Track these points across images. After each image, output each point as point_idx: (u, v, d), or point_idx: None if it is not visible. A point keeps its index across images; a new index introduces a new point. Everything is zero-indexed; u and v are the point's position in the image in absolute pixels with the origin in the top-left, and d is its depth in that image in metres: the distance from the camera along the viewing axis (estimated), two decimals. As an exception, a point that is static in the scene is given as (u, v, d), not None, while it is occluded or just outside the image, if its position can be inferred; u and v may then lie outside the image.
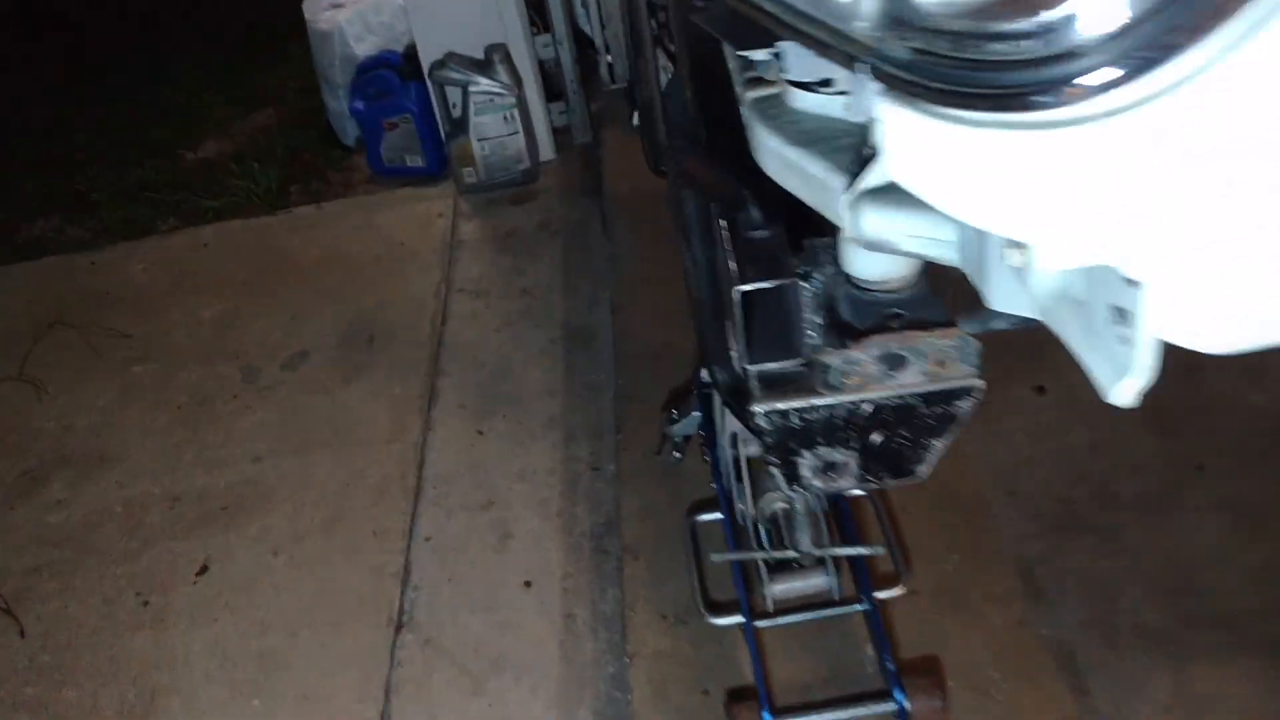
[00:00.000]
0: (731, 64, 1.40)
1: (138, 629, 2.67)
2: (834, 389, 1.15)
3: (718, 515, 2.52)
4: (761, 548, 2.37)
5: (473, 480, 2.91)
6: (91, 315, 3.84)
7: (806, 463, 1.32)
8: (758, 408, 1.28)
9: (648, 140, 2.19)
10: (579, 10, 4.25)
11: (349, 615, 2.60)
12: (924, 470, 1.35)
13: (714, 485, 2.56)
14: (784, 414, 1.28)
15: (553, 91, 4.24)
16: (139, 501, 3.03)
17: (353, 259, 3.91)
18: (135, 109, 5.34)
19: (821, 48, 0.85)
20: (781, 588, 2.31)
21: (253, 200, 4.40)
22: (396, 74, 4.12)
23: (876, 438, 1.31)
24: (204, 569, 2.78)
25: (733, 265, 1.30)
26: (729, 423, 2.34)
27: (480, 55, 3.92)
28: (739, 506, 2.44)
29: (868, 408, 1.28)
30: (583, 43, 4.29)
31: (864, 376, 1.14)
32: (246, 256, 4.05)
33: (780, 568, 2.34)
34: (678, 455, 2.76)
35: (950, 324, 1.14)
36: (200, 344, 3.61)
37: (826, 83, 1.21)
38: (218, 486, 3.02)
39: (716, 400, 2.38)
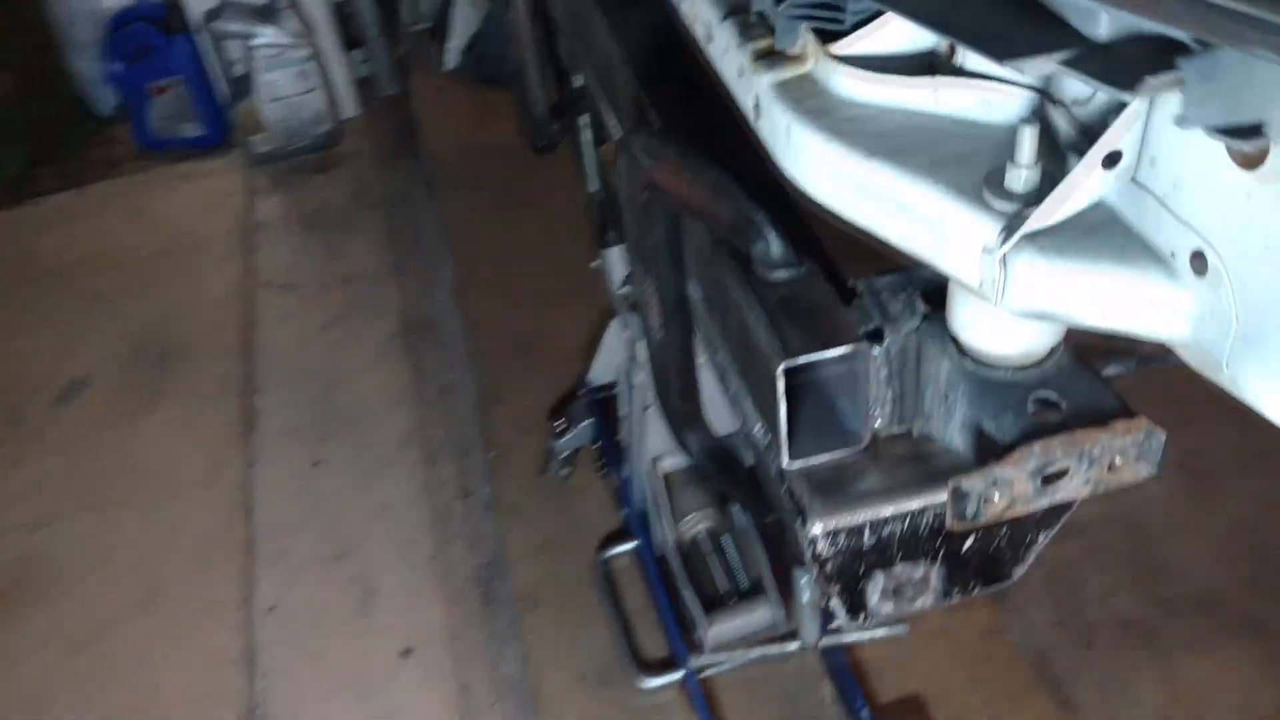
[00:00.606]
0: (709, 21, 0.97)
1: (-101, 778, 2.07)
2: (971, 520, 0.77)
3: (630, 546, 2.14)
4: (691, 582, 2.01)
5: (317, 525, 2.41)
6: None
7: (876, 586, 0.94)
8: (816, 527, 0.88)
9: (523, 113, 1.72)
10: (372, -59, 3.65)
11: (185, 722, 2.08)
12: (1021, 571, 0.99)
13: (623, 512, 2.16)
14: (855, 532, 0.89)
15: (351, 38, 3.66)
16: (-118, 599, 2.37)
17: (128, 255, 3.25)
18: None
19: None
20: (721, 628, 1.96)
21: (-9, 189, 3.63)
22: (159, 28, 3.45)
23: (970, 542, 0.94)
24: (-18, 683, 2.19)
25: (755, 319, 0.89)
26: (650, 439, 1.94)
27: (262, 1, 3.29)
28: (658, 535, 2.06)
29: (964, 508, 0.91)
30: (380, -21, 3.71)
31: (1013, 500, 0.76)
32: (-9, 262, 3.32)
33: (716, 604, 1.99)
34: (567, 472, 2.34)
35: (1128, 411, 0.77)
36: (-57, 380, 2.91)
37: (905, 61, 0.80)
38: (-12, 568, 2.40)
39: (630, 409, 1.98)
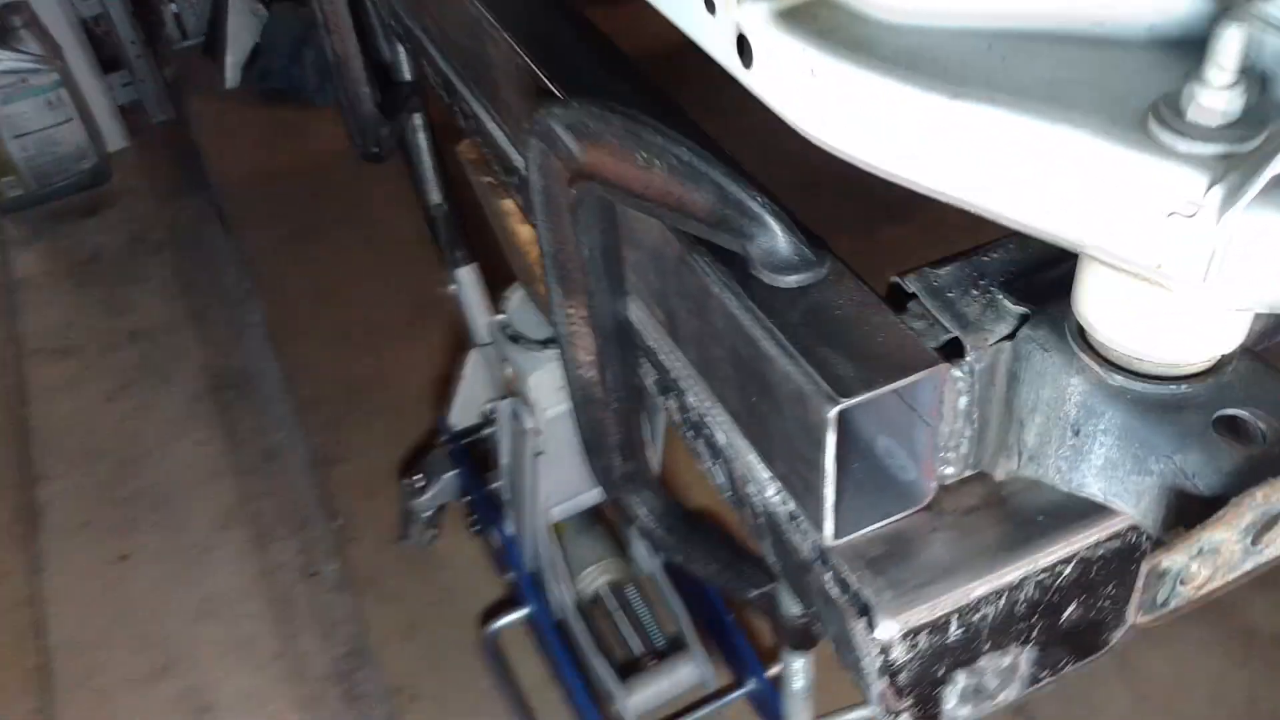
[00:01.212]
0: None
1: None
2: (1164, 609, 0.52)
3: (521, 613, 1.83)
4: (599, 647, 1.73)
5: (130, 635, 2.03)
6: None
7: (955, 689, 0.70)
8: (891, 628, 0.63)
9: (348, 118, 1.40)
10: (123, -53, 3.20)
11: None
12: (1118, 636, 0.77)
13: (507, 576, 1.86)
14: (939, 626, 0.64)
15: (108, 59, 3.20)
16: None
17: None
18: None
19: None
20: (642, 696, 1.69)
21: None
22: None
23: (1072, 611, 0.71)
24: None
25: (768, 344, 0.62)
26: (539, 481, 1.64)
27: (-8, 18, 2.82)
28: (556, 594, 1.77)
29: (1071, 571, 0.68)
30: (137, -10, 3.27)
31: (1215, 571, 0.51)
32: None
33: (633, 668, 1.72)
34: (431, 535, 2.02)
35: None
36: None
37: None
38: None
39: (514, 456, 1.67)
